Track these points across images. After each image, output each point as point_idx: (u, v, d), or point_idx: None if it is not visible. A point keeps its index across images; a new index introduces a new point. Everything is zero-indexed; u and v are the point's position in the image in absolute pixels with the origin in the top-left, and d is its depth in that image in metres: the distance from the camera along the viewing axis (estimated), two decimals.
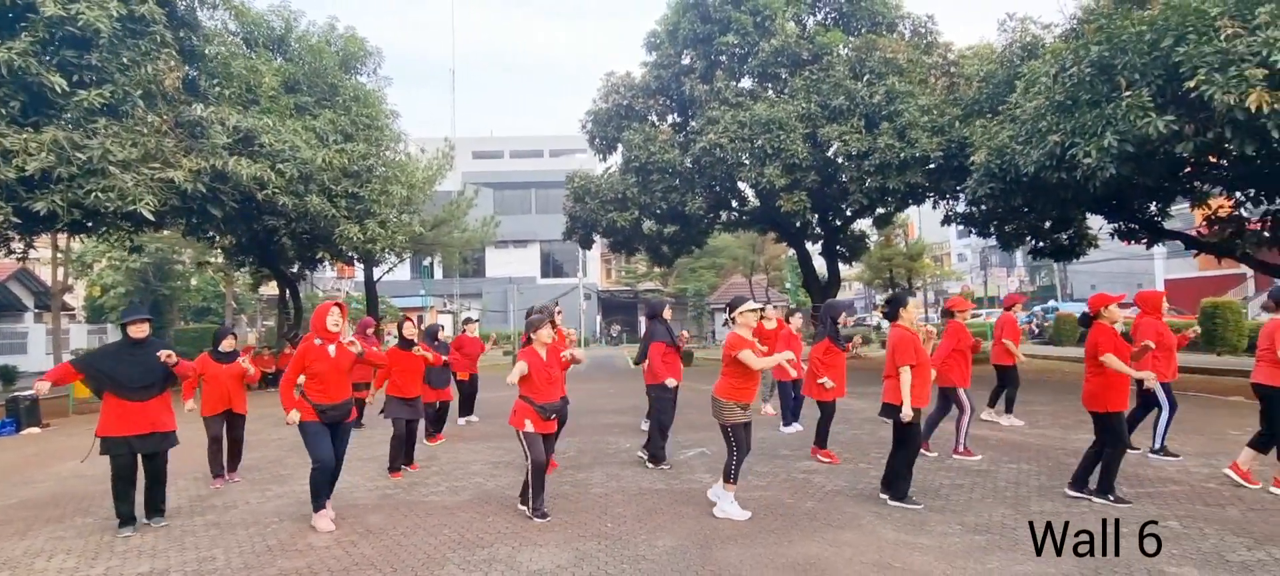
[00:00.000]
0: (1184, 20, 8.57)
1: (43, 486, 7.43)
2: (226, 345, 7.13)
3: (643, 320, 7.82)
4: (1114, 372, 5.39)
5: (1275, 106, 7.63)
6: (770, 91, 18.12)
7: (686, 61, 19.18)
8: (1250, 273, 26.58)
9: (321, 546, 5.04)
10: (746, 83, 18.76)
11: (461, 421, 10.45)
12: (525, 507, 5.56)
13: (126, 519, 5.53)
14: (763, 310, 5.99)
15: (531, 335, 5.59)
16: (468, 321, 11.10)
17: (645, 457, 7.33)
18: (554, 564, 4.55)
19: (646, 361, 7.42)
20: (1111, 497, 5.41)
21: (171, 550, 5.08)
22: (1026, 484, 6.14)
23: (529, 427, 5.34)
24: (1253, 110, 7.66)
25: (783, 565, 4.40)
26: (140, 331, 5.58)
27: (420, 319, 35.36)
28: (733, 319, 5.48)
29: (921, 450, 7.11)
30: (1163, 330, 6.72)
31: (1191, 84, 8.19)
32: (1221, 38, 8.11)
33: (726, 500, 5.42)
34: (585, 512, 5.65)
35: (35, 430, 11.82)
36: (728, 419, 5.32)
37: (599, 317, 48.21)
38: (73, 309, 33.21)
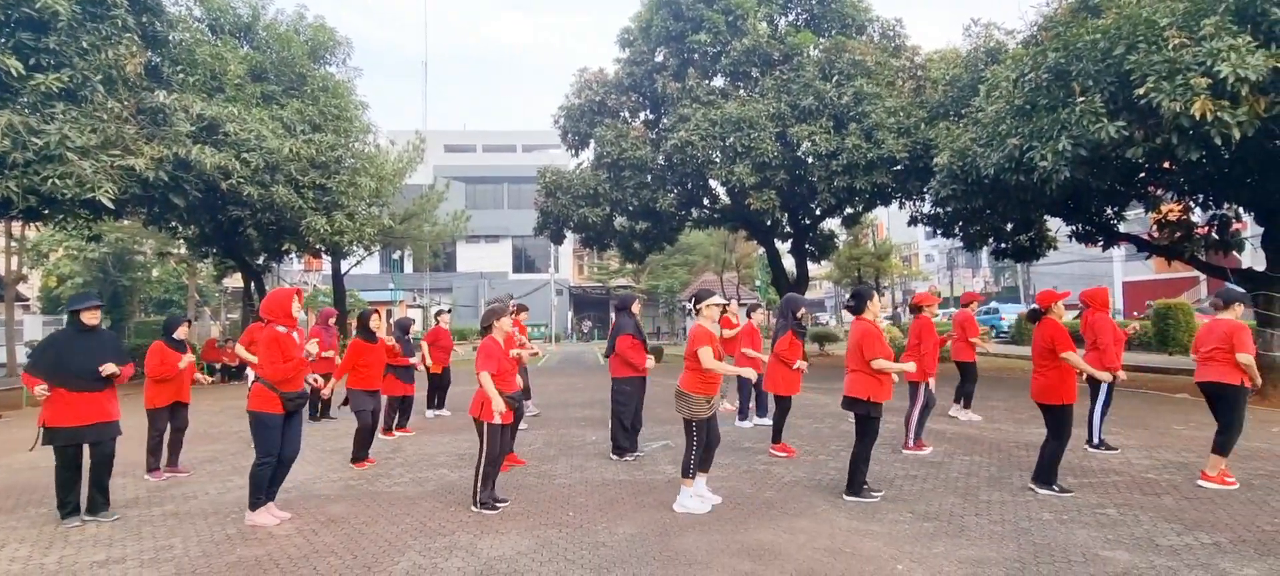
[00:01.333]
0: (1135, 30, 8.87)
1: None
2: (181, 333, 7.02)
3: (613, 313, 7.90)
4: (1065, 366, 5.58)
5: (1218, 114, 7.94)
6: (742, 90, 18.28)
7: (659, 59, 19.27)
8: (1202, 276, 27.49)
9: (282, 535, 5.04)
10: (718, 81, 18.91)
11: (431, 414, 10.43)
12: (474, 507, 5.46)
13: (73, 508, 5.41)
14: (727, 305, 6.07)
15: (493, 323, 5.60)
16: (440, 314, 10.96)
17: (612, 453, 7.40)
18: (515, 550, 4.62)
19: (612, 354, 7.48)
20: (1056, 487, 5.62)
21: (128, 539, 5.04)
22: (977, 475, 6.34)
23: (497, 420, 5.36)
24: (1197, 117, 7.97)
25: (737, 551, 4.51)
26: (92, 318, 5.44)
27: (389, 313, 35.05)
28: (698, 310, 5.55)
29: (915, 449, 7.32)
30: (1106, 325, 7.00)
31: (1141, 91, 8.48)
32: (1169, 48, 8.40)
33: (686, 495, 5.43)
34: (548, 502, 5.72)
35: None
36: (694, 413, 5.35)
37: (571, 313, 48.16)
38: (27, 299, 32.26)
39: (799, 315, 7.53)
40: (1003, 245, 16.94)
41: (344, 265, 24.56)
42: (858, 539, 4.70)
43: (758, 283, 42.44)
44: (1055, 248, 17.24)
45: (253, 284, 20.81)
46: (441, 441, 8.58)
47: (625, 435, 7.32)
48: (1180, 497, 5.50)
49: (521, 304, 8.78)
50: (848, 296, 5.93)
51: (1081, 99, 9.25)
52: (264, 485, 5.26)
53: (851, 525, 5.00)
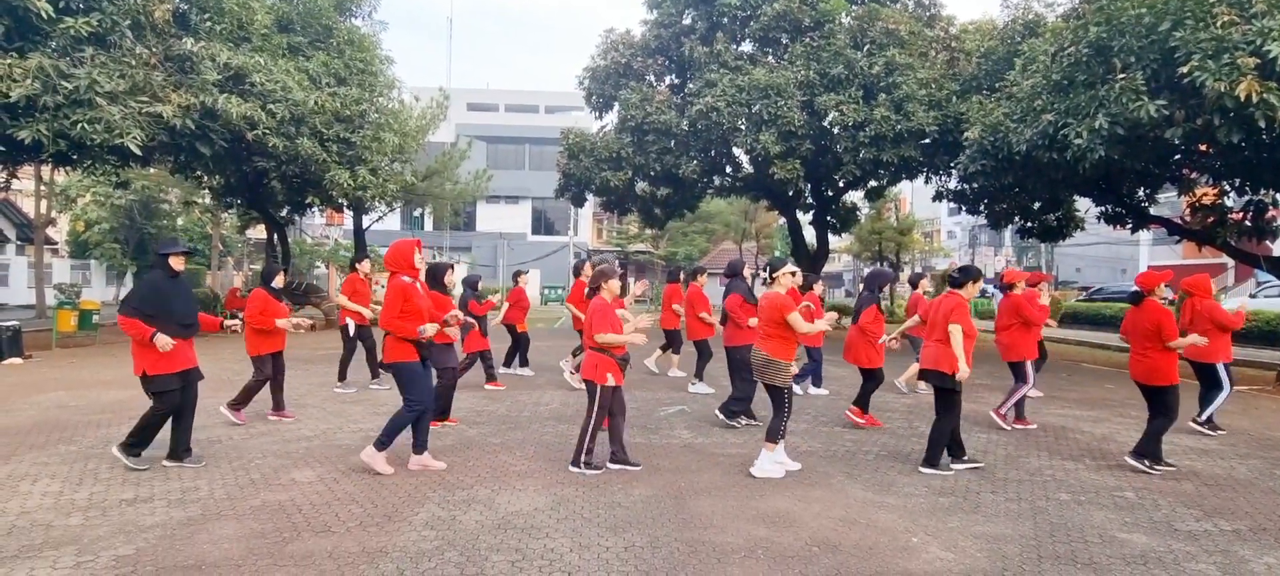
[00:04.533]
0: (1182, 5, 8.57)
1: (25, 414, 7.47)
2: (278, 282, 7.20)
3: (722, 280, 7.86)
4: (1171, 349, 5.67)
5: (1264, 96, 7.69)
6: (770, 57, 17.95)
7: (688, 21, 18.93)
8: (1230, 262, 26.96)
9: (304, 481, 5.14)
10: (747, 46, 18.56)
11: (505, 371, 10.47)
12: (579, 468, 5.43)
13: (187, 449, 5.54)
14: (797, 274, 6.08)
15: (602, 284, 5.55)
16: (518, 274, 11.08)
17: (725, 418, 7.31)
18: (531, 506, 4.68)
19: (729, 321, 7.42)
20: (1151, 462, 5.65)
21: (155, 479, 5.17)
22: (994, 453, 6.31)
23: (610, 382, 5.37)
24: (1242, 99, 7.72)
25: (752, 517, 4.54)
26: (181, 264, 5.46)
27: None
28: (773, 278, 5.59)
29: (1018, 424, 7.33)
30: (1222, 311, 6.97)
31: (1185, 70, 8.22)
32: (1217, 25, 8.13)
33: (767, 458, 5.42)
34: (565, 461, 5.76)
35: (17, 360, 11.82)
36: (785, 379, 5.36)
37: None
38: (55, 243, 32.85)
39: (882, 291, 7.69)
40: (1029, 224, 16.67)
41: (365, 220, 24.69)
42: (873, 510, 4.71)
43: (777, 253, 42.21)
44: (1083, 228, 16.95)
45: (276, 235, 21.03)
46: (460, 398, 8.66)
47: (741, 401, 7.33)
48: (1200, 483, 5.44)
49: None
50: (957, 269, 5.95)
51: (1122, 76, 9.00)
52: (397, 431, 5.33)
53: (866, 496, 5.01)
